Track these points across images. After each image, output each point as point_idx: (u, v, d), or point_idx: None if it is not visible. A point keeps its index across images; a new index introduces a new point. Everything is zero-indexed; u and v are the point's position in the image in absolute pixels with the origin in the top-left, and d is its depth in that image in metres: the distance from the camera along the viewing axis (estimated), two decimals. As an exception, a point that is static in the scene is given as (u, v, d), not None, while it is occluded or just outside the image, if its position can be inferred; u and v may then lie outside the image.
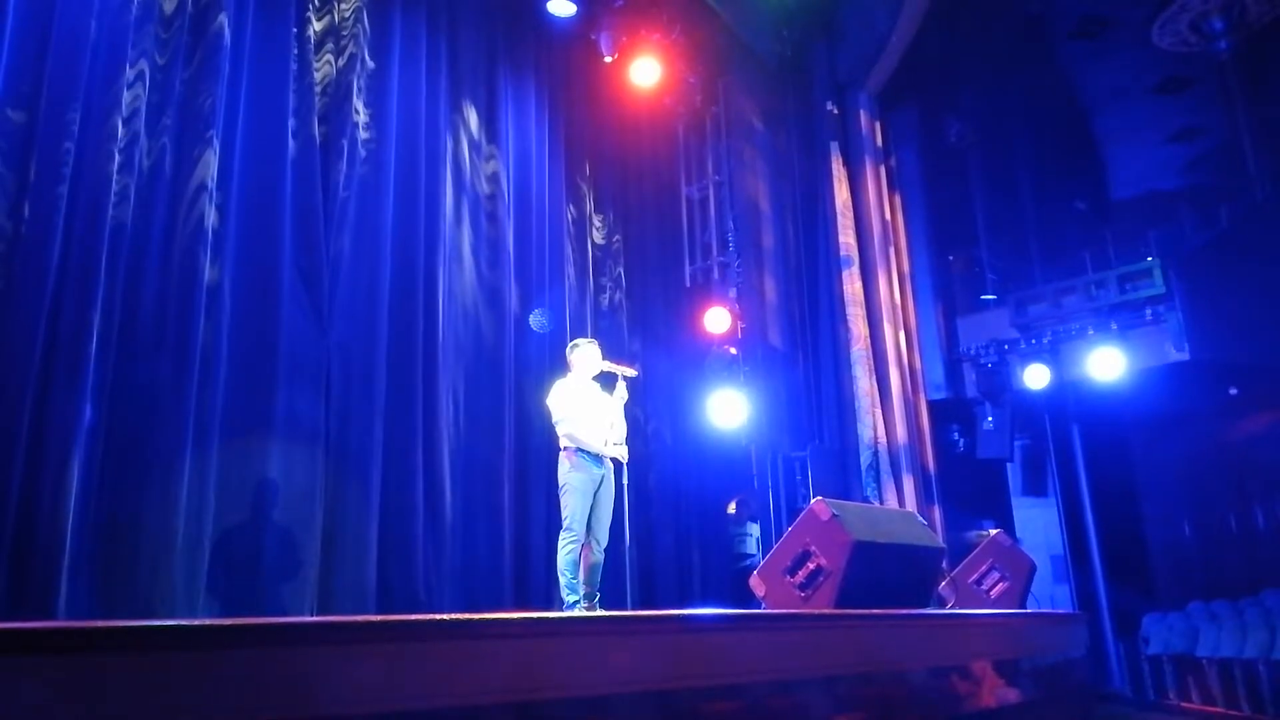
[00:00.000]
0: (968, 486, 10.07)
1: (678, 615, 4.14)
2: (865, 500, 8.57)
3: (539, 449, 7.06)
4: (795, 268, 9.69)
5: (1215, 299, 9.44)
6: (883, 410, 9.14)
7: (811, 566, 4.94)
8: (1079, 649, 6.90)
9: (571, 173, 8.59)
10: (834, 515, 4.95)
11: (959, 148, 11.41)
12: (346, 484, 5.84)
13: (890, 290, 9.60)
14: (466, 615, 3.01)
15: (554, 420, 5.42)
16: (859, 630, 4.45)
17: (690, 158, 9.91)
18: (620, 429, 5.52)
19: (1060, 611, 8.87)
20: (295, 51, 6.14)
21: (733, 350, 8.79)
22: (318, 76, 6.34)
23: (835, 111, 9.96)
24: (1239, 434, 11.14)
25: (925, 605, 5.94)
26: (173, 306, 5.11)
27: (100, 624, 2.26)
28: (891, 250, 9.84)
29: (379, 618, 3.21)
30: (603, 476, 5.35)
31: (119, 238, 4.91)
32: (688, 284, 9.59)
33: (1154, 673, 9.60)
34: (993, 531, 7.64)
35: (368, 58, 6.69)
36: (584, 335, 6.84)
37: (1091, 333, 9.56)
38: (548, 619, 3.63)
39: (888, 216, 9.94)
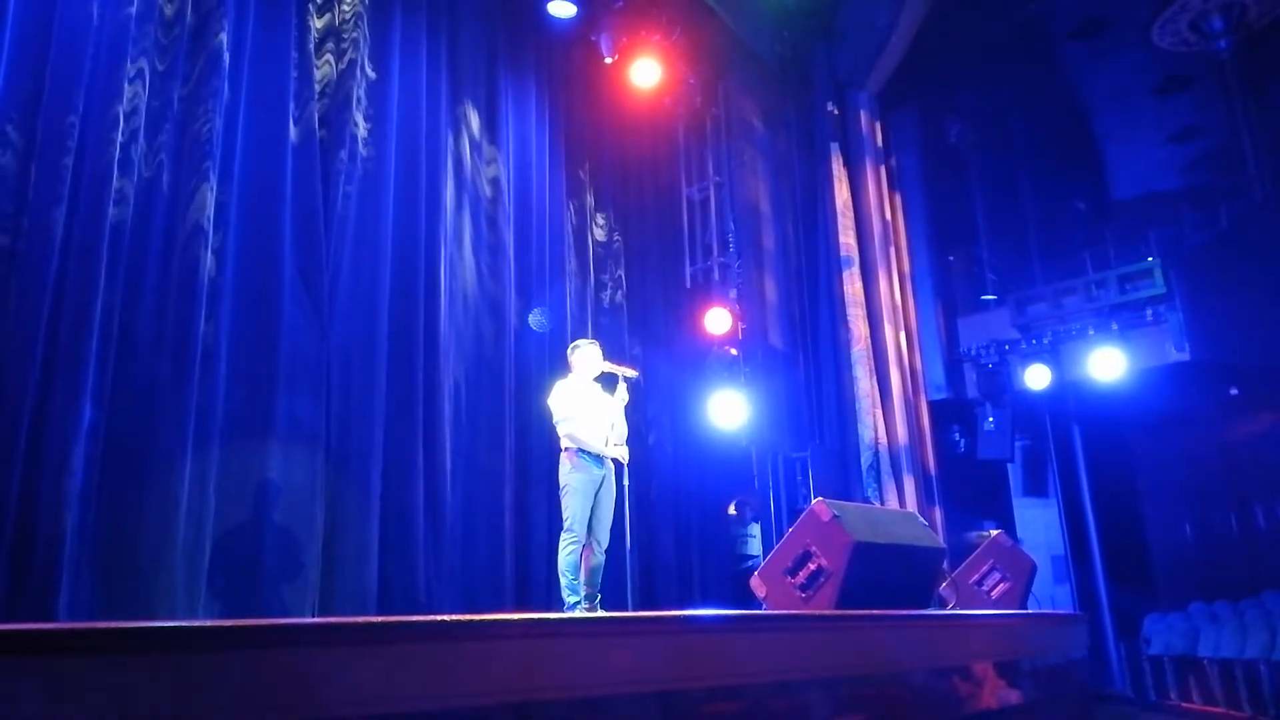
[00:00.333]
0: (968, 487, 10.06)
1: (678, 616, 4.13)
2: (866, 501, 8.56)
3: (540, 450, 7.06)
4: (795, 268, 9.69)
5: (1216, 299, 9.43)
6: (883, 411, 9.14)
7: (812, 567, 4.93)
8: (1080, 650, 6.89)
9: (572, 173, 8.59)
10: (835, 516, 4.95)
11: (959, 148, 11.41)
12: (347, 485, 5.84)
13: (891, 290, 9.59)
14: (467, 616, 3.01)
15: (555, 421, 5.42)
16: (860, 631, 4.45)
17: (690, 158, 9.91)
18: (621, 430, 5.52)
19: (1061, 612, 8.86)
20: (295, 53, 6.14)
21: (733, 351, 8.79)
22: (318, 78, 6.34)
23: (835, 112, 9.96)
24: (1240, 434, 11.14)
25: (926, 606, 5.93)
26: (173, 307, 5.11)
27: (100, 625, 2.26)
28: (892, 250, 9.84)
29: (380, 619, 3.21)
30: (603, 477, 5.35)
31: (119, 238, 4.91)
32: (688, 284, 9.59)
33: (1155, 673, 9.60)
34: (993, 532, 7.64)
35: (368, 59, 6.69)
36: (584, 336, 6.85)
37: (1092, 333, 9.56)
38: (548, 620, 3.62)
39: (888, 217, 9.94)
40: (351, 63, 6.55)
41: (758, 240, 9.37)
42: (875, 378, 9.18)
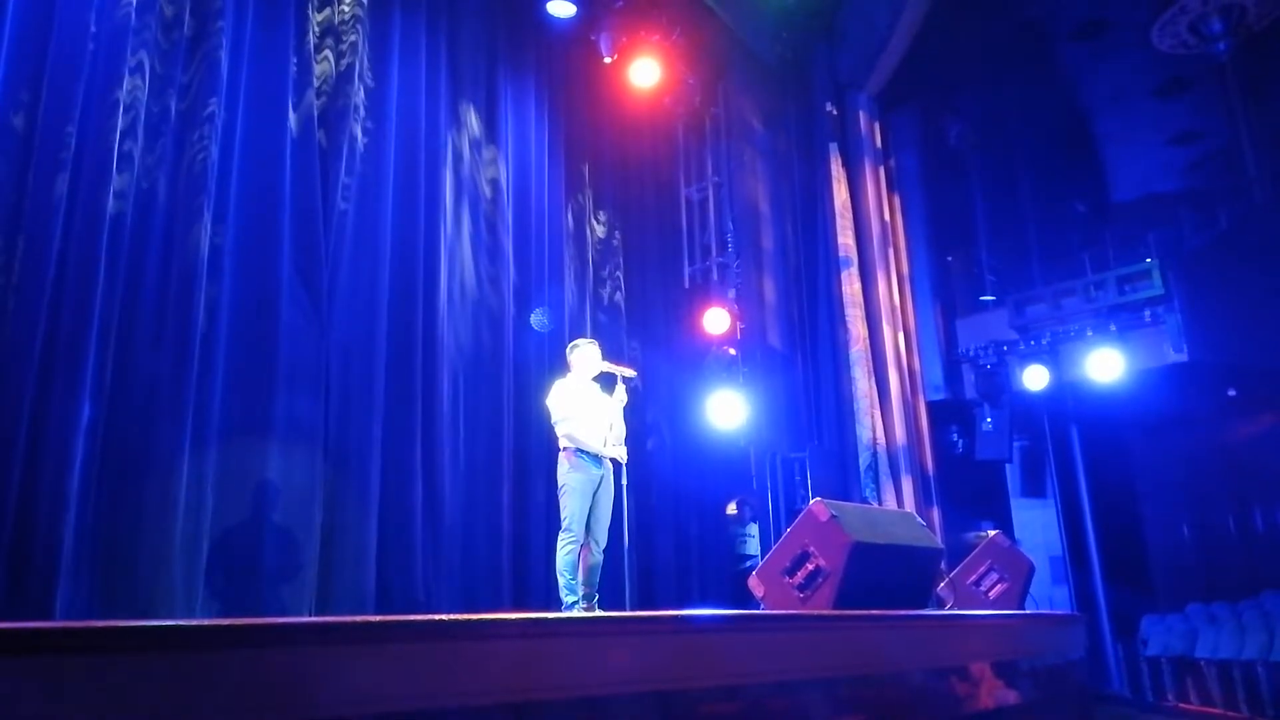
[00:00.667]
0: (966, 488, 10.07)
1: (676, 616, 4.13)
2: (864, 501, 8.57)
3: (538, 449, 7.06)
4: (794, 268, 9.69)
5: (1214, 301, 9.45)
6: (881, 411, 9.14)
7: (810, 567, 4.94)
8: (1078, 650, 6.89)
9: (571, 173, 8.58)
10: (833, 516, 4.95)
11: (958, 149, 11.42)
12: (345, 484, 5.84)
13: (889, 291, 9.60)
14: (465, 616, 3.01)
15: (553, 420, 5.42)
16: (858, 631, 4.45)
17: (690, 158, 9.91)
18: (619, 429, 5.52)
19: (1059, 613, 8.87)
20: (294, 52, 6.14)
21: (732, 351, 8.79)
22: (317, 76, 6.33)
23: (835, 112, 9.97)
24: (1238, 435, 11.15)
25: (924, 606, 5.94)
26: (172, 306, 5.11)
27: (99, 624, 2.26)
28: (891, 251, 9.85)
29: (378, 618, 3.21)
30: (602, 477, 5.35)
31: (118, 237, 4.91)
32: (687, 284, 9.59)
33: (1153, 674, 9.61)
34: (991, 533, 7.65)
35: (367, 58, 6.69)
36: (583, 335, 6.85)
37: (1090, 334, 9.57)
38: (546, 619, 3.62)
39: (887, 217, 9.95)
40: (351, 61, 6.54)
41: (757, 240, 9.38)
42: (874, 378, 9.19)
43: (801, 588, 4.94)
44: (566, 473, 5.30)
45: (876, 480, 8.81)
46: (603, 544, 5.35)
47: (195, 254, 5.23)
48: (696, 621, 3.94)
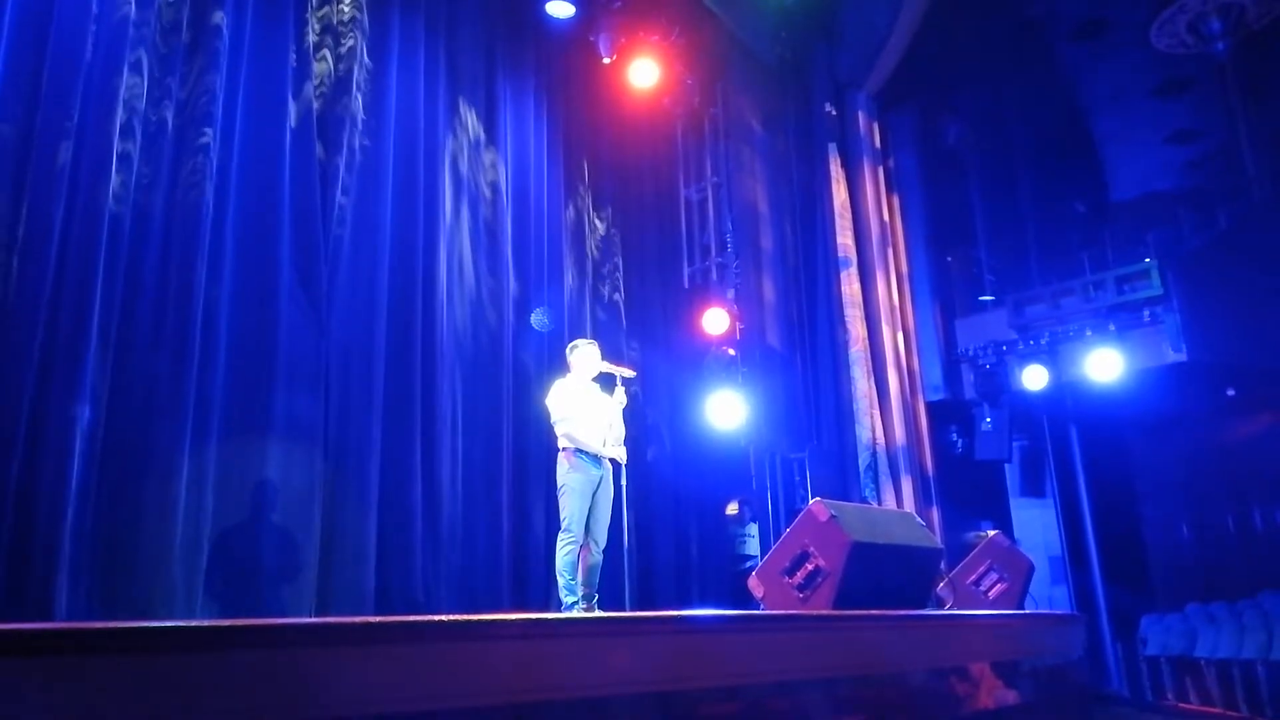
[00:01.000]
0: (966, 487, 10.07)
1: (676, 616, 4.14)
2: (863, 501, 8.57)
3: (538, 449, 7.06)
4: (794, 269, 9.70)
5: (1213, 300, 9.45)
6: (881, 411, 9.15)
7: (810, 567, 4.94)
8: (1077, 650, 6.90)
9: (570, 174, 8.59)
10: (832, 516, 4.95)
11: (957, 149, 11.43)
12: (345, 484, 5.84)
13: (888, 291, 9.61)
14: (465, 616, 3.01)
15: (553, 420, 5.42)
16: (857, 631, 4.46)
17: (689, 159, 9.91)
18: (619, 430, 5.52)
19: (1058, 613, 8.87)
20: (294, 52, 6.14)
21: (731, 351, 8.78)
22: (316, 76, 6.33)
23: (834, 113, 9.97)
24: (1237, 435, 11.16)
25: (923, 606, 5.94)
26: (171, 306, 5.11)
27: (99, 625, 2.26)
28: (890, 251, 9.86)
29: (377, 619, 3.21)
30: (601, 477, 5.35)
31: (117, 237, 4.91)
32: (686, 285, 9.58)
33: (1152, 674, 9.61)
34: (991, 532, 7.65)
35: (366, 58, 6.69)
36: (582, 336, 6.84)
37: (1089, 334, 9.57)
38: (546, 620, 3.63)
39: (886, 217, 9.95)
40: (350, 61, 6.54)
41: (756, 241, 9.38)
42: (873, 378, 9.19)
43: (801, 588, 4.94)
44: (566, 473, 5.30)
45: (876, 480, 8.81)
46: (602, 544, 5.35)
47: (194, 253, 5.23)
48: (696, 622, 3.94)
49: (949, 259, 11.01)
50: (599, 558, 5.34)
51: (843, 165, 9.77)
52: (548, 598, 6.57)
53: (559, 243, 8.21)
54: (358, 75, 6.57)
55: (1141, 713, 9.05)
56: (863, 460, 8.87)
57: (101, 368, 4.71)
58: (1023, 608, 7.06)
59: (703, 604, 8.05)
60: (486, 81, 7.87)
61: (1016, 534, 9.81)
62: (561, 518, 5.28)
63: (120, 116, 4.98)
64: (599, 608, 5.29)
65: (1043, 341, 9.82)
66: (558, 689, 2.94)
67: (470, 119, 7.61)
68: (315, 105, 6.25)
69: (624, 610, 5.67)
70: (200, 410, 5.13)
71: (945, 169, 11.12)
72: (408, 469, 6.23)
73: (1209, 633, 9.06)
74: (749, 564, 8.27)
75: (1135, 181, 12.66)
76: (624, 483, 5.47)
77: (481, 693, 2.72)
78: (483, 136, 7.71)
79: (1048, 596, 9.57)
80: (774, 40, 9.85)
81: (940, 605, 7.02)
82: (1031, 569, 7.19)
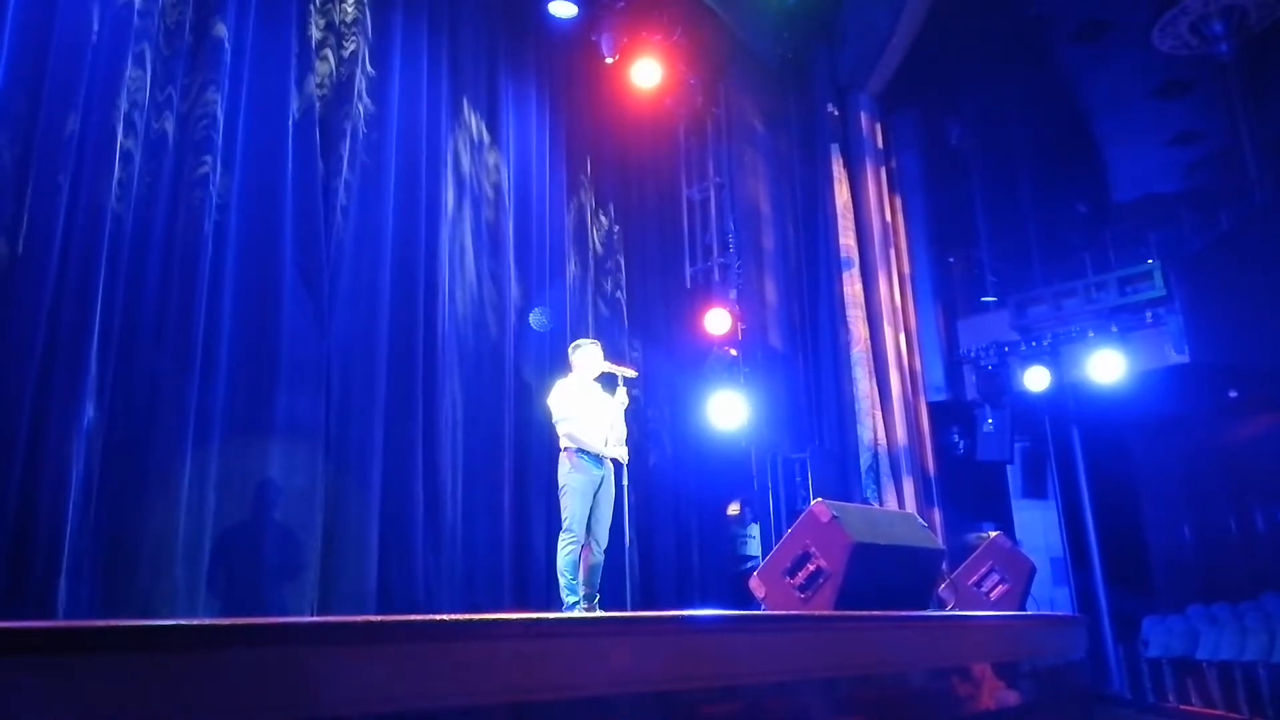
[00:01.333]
0: (968, 489, 10.06)
1: (677, 616, 4.14)
2: (865, 502, 8.56)
3: (539, 449, 7.06)
4: (795, 269, 9.70)
5: (1215, 302, 9.44)
6: (883, 412, 9.14)
7: (811, 568, 4.94)
8: (1078, 651, 6.89)
9: (572, 174, 8.59)
10: (834, 517, 4.95)
11: (959, 150, 11.42)
12: (347, 484, 5.84)
13: (890, 292, 9.60)
14: (466, 616, 3.01)
15: (554, 420, 5.42)
16: (859, 632, 4.45)
17: (691, 159, 9.92)
18: (620, 430, 5.52)
19: (1060, 614, 8.86)
20: (296, 52, 6.14)
21: (733, 351, 8.78)
22: (318, 77, 6.33)
23: (836, 113, 9.96)
24: (1239, 437, 11.15)
25: (925, 607, 5.93)
26: (173, 306, 5.11)
27: (100, 623, 2.26)
28: (892, 252, 9.85)
29: (379, 618, 3.21)
30: (603, 477, 5.35)
31: (119, 236, 4.91)
32: (688, 285, 9.59)
33: (1153, 675, 9.60)
34: (992, 534, 7.64)
35: (369, 58, 6.69)
36: (584, 335, 6.85)
37: (1092, 335, 9.56)
38: (547, 620, 3.62)
39: (888, 218, 9.95)
40: (352, 62, 6.55)
41: (758, 241, 9.38)
42: (875, 379, 9.19)
43: (802, 588, 4.94)
44: (567, 473, 5.30)
45: (877, 481, 8.81)
46: (603, 544, 5.35)
47: (196, 253, 5.23)
48: (697, 622, 3.94)
49: (951, 260, 11.01)
50: (600, 558, 5.34)
51: (845, 166, 9.76)
52: (549, 597, 6.57)
53: (561, 242, 8.21)
54: (360, 75, 6.58)
55: (1143, 714, 9.05)
56: (864, 461, 8.87)
57: (104, 367, 4.71)
58: (1024, 609, 7.06)
59: (704, 604, 8.05)
60: (489, 81, 7.87)
61: (1018, 535, 9.81)
62: (563, 517, 5.28)
63: (123, 115, 4.97)
64: (600, 608, 5.29)
65: (1045, 342, 9.81)
66: (559, 688, 2.94)
67: (472, 119, 7.61)
68: (318, 105, 6.25)
69: (625, 610, 5.67)
70: (202, 410, 5.13)
71: (947, 170, 11.12)
72: (409, 469, 6.23)
73: (1211, 634, 9.05)
74: (750, 564, 8.28)
75: (1137, 183, 12.65)
76: (625, 483, 5.47)
77: (483, 692, 2.72)
78: (485, 136, 7.72)
79: (1049, 598, 9.56)
80: (776, 41, 9.85)
81: (942, 606, 7.02)
82: (1033, 570, 7.19)
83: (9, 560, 4.19)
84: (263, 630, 2.45)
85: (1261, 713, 8.15)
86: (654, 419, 8.63)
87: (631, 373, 5.71)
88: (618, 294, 8.77)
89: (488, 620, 3.08)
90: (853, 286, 9.37)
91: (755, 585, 5.22)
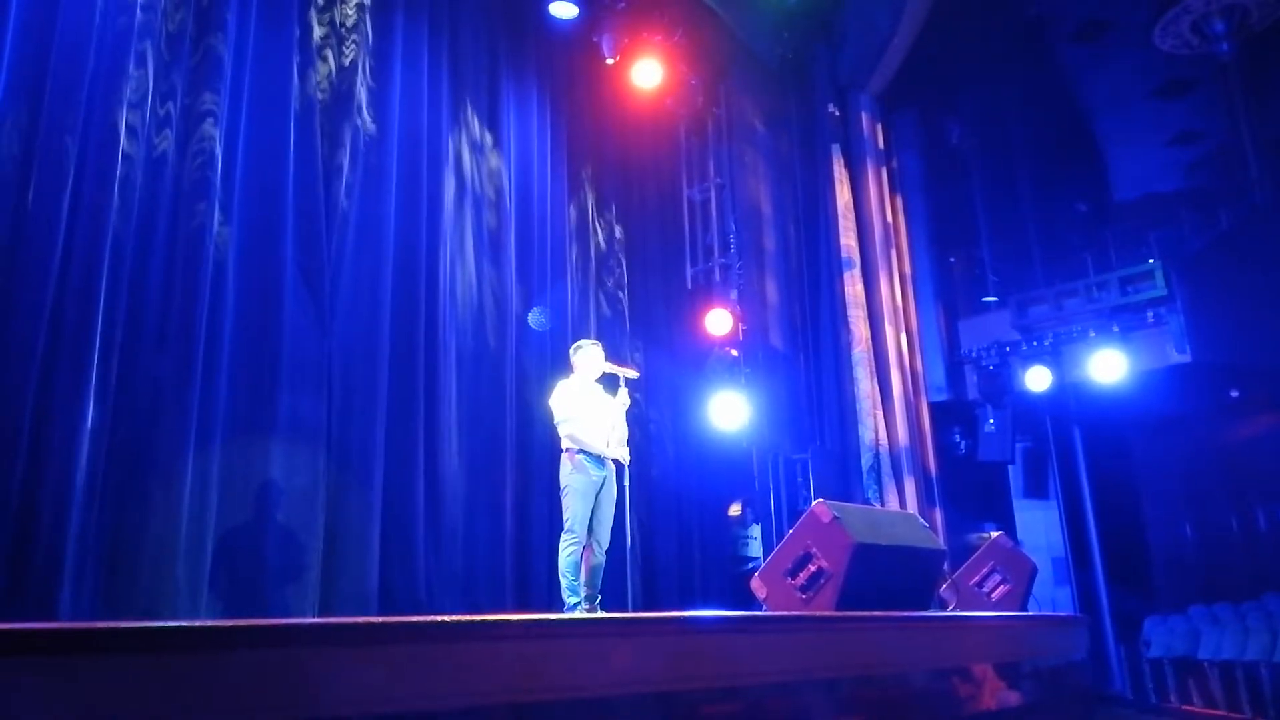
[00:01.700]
0: (969, 489, 10.06)
1: (679, 617, 4.14)
2: (866, 502, 8.56)
3: (541, 450, 7.07)
4: (796, 269, 9.70)
5: (1217, 301, 9.44)
6: (884, 412, 9.14)
7: (813, 569, 4.94)
8: (1080, 652, 6.89)
9: (573, 174, 8.59)
10: (835, 517, 4.95)
11: (960, 150, 11.42)
12: (348, 485, 5.84)
13: (891, 292, 9.60)
14: (468, 617, 3.02)
15: (556, 421, 5.42)
16: (860, 633, 4.45)
17: (692, 159, 9.92)
18: (622, 430, 5.52)
19: (1061, 614, 8.86)
20: (297, 53, 6.14)
21: (734, 352, 8.79)
22: (320, 77, 6.34)
23: (837, 113, 9.96)
24: (1241, 436, 11.14)
25: (926, 607, 5.94)
26: (175, 306, 5.12)
27: (102, 625, 2.27)
28: (893, 252, 9.85)
29: (380, 619, 3.21)
30: (604, 478, 5.35)
31: (121, 237, 4.91)
32: (689, 285, 9.60)
33: (1155, 675, 9.59)
34: (994, 534, 7.64)
35: (370, 59, 6.70)
36: (585, 336, 6.85)
37: (1093, 335, 9.56)
38: (549, 620, 3.63)
39: (889, 218, 9.94)
40: (353, 62, 6.56)
41: (759, 241, 9.38)
42: (876, 379, 9.18)
43: (804, 589, 4.94)
44: (569, 474, 5.30)
45: (879, 481, 8.80)
46: (605, 545, 5.36)
47: (199, 254, 5.24)
48: (699, 623, 3.94)
49: (952, 260, 11.00)
50: (602, 558, 5.34)
51: (846, 166, 9.76)
52: (550, 598, 6.57)
53: (562, 243, 8.22)
54: (361, 76, 6.58)
55: (1144, 715, 9.03)
56: (865, 461, 8.87)
57: (105, 368, 4.72)
58: (1026, 609, 7.05)
59: (705, 605, 8.05)
60: (490, 82, 7.88)
61: (1019, 535, 9.80)
62: (564, 518, 5.29)
63: (125, 116, 4.98)
64: (602, 608, 5.29)
65: (1046, 342, 9.81)
66: (560, 689, 2.94)
67: (474, 120, 7.62)
68: (319, 106, 6.26)
69: (627, 611, 5.67)
70: (204, 410, 5.13)
71: (948, 170, 11.12)
72: (411, 469, 6.24)
73: (1212, 634, 9.05)
74: (751, 565, 8.28)
75: (1138, 182, 12.64)
76: (627, 484, 5.47)
77: (485, 693, 2.73)
78: (486, 137, 7.72)
79: (1050, 598, 9.55)
80: (776, 41, 9.85)
81: (943, 607, 7.02)
82: (1034, 570, 7.18)
83: (11, 561, 4.20)
84: (265, 631, 2.46)
85: (1264, 713, 8.15)
86: (655, 420, 8.63)
87: (633, 373, 5.72)
88: (619, 294, 8.77)
89: (489, 621, 3.08)
90: (854, 287, 9.37)
91: (757, 586, 5.22)
